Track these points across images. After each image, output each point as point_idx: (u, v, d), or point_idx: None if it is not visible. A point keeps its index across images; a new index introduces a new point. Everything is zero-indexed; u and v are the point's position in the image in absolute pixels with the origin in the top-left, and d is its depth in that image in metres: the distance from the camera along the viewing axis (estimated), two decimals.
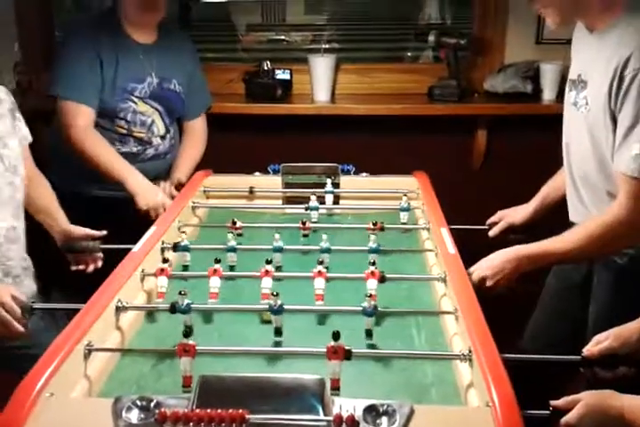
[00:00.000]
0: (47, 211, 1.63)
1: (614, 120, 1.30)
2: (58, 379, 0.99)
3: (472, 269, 1.43)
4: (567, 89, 1.47)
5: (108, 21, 2.00)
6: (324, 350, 1.03)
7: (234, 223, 1.65)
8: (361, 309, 1.22)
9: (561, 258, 1.39)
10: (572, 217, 1.54)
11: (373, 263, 1.36)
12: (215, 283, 1.35)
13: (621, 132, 1.28)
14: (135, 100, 2.02)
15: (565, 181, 1.54)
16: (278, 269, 1.48)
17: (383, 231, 1.61)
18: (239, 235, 1.64)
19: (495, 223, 1.74)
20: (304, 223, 1.66)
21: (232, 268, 1.52)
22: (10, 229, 1.45)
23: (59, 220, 1.63)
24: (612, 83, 1.29)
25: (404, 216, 1.79)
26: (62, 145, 1.71)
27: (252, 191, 1.97)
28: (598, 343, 1.14)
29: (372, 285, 1.33)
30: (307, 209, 1.81)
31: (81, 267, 1.65)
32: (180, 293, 1.22)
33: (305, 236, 1.66)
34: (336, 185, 1.95)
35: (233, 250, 1.53)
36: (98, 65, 1.94)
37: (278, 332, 1.23)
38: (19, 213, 1.49)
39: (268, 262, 1.38)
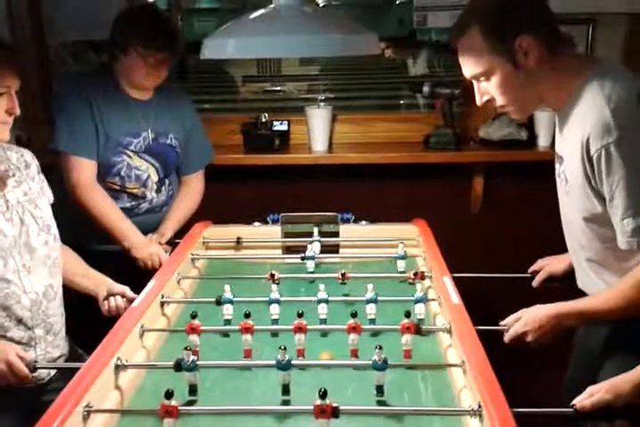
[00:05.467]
0: (84, 273, 1.65)
1: (600, 196, 1.31)
2: None
3: (507, 320, 1.42)
4: (555, 161, 1.49)
5: (103, 77, 2.02)
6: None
7: (272, 276, 1.63)
8: (370, 362, 1.18)
9: (600, 317, 1.37)
10: (578, 284, 1.53)
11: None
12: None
13: (611, 211, 1.29)
14: (130, 154, 2.02)
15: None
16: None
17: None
18: (277, 283, 1.62)
19: (536, 271, 1.73)
20: (344, 274, 1.64)
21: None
22: (48, 287, 1.49)
23: (102, 279, 1.65)
24: (584, 164, 1.30)
25: (401, 264, 1.78)
26: (62, 200, 1.71)
27: (239, 242, 1.96)
28: (591, 395, 1.12)
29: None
30: (303, 259, 1.81)
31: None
32: (185, 348, 1.19)
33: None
34: (335, 234, 1.95)
35: (277, 302, 1.49)
36: (91, 119, 1.96)
37: (286, 390, 1.18)
38: (55, 272, 1.53)
39: (247, 316, 1.34)
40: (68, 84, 2.06)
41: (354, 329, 1.31)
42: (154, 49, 1.90)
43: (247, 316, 1.35)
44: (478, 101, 1.42)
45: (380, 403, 1.18)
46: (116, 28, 1.95)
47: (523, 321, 1.40)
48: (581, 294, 1.49)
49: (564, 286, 1.65)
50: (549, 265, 1.72)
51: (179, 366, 1.18)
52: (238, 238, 1.96)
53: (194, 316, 1.36)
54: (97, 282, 1.63)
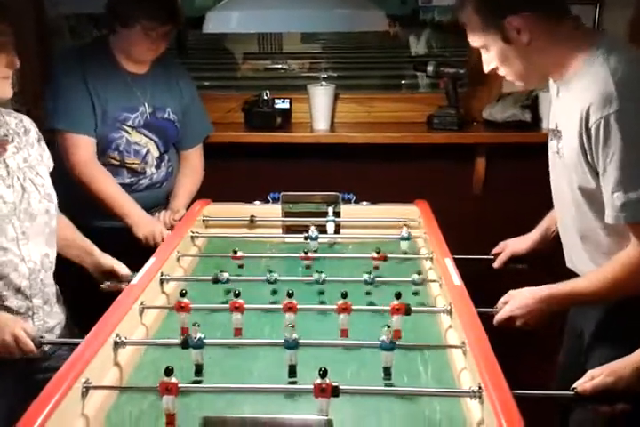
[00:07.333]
0: (78, 245, 1.62)
1: (594, 171, 1.30)
2: (55, 420, 0.95)
3: (500, 303, 1.42)
4: (549, 138, 1.47)
5: (98, 51, 1.98)
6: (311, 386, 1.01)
7: (235, 253, 1.62)
8: (379, 343, 1.17)
9: (589, 299, 1.36)
10: (567, 263, 1.52)
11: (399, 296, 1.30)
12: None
13: (603, 184, 1.28)
14: (128, 129, 2.00)
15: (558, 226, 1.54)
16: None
17: (386, 261, 1.62)
18: (240, 266, 1.63)
19: (500, 253, 1.74)
20: (306, 253, 1.63)
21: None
22: (44, 257, 1.46)
23: (94, 252, 1.63)
24: (581, 136, 1.29)
25: (404, 245, 1.77)
26: (62, 177, 1.69)
27: (252, 220, 1.95)
28: (592, 378, 1.12)
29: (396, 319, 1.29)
30: (306, 239, 1.80)
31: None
32: (193, 324, 1.18)
33: (307, 267, 1.64)
34: (337, 214, 1.94)
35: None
36: (87, 94, 1.93)
37: (292, 371, 1.16)
38: (52, 241, 1.50)
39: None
40: (62, 60, 2.02)
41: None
42: (158, 22, 1.86)
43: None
44: (485, 69, 1.42)
45: (386, 384, 1.18)
46: (115, 0, 1.91)
47: (510, 306, 1.40)
48: (568, 274, 1.48)
49: (526, 267, 1.69)
50: (511, 246, 1.73)
51: (186, 344, 1.17)
52: (252, 217, 1.95)
53: (183, 294, 1.34)
54: (80, 251, 1.60)
